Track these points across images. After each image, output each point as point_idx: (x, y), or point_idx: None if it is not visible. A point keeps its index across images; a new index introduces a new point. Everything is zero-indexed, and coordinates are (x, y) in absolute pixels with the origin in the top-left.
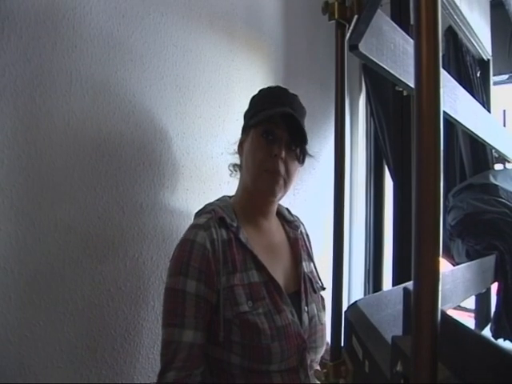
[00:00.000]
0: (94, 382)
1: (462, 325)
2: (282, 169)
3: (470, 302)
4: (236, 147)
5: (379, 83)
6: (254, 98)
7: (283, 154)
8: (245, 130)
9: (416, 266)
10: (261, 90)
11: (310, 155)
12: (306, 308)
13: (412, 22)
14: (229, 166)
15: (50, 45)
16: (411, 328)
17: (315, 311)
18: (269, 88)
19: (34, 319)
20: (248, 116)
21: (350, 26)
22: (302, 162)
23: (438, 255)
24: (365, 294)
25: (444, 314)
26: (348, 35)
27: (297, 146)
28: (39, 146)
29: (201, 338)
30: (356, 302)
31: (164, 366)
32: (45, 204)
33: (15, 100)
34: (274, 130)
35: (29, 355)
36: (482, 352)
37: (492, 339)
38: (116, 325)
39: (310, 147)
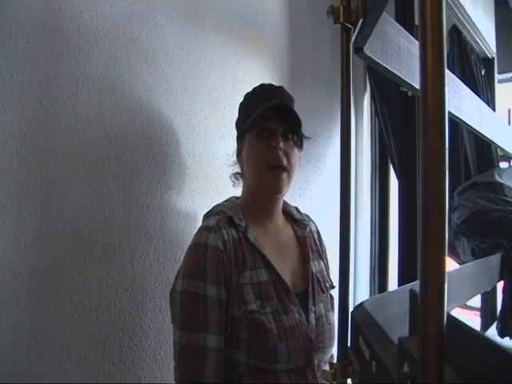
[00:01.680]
0: (101, 383)
1: (467, 326)
2: (284, 160)
3: (476, 301)
4: (234, 158)
5: (384, 83)
6: (241, 104)
7: (281, 144)
8: (240, 137)
9: (422, 268)
10: (246, 95)
11: (308, 137)
12: (313, 308)
13: (416, 22)
14: (230, 176)
15: (56, 49)
16: (417, 329)
17: (323, 311)
18: (253, 89)
19: (43, 321)
20: (240, 123)
21: (355, 29)
22: (300, 147)
23: (444, 256)
24: (370, 293)
25: (449, 315)
26: (353, 38)
27: (293, 134)
28: (47, 150)
29: (223, 342)
30: (362, 302)
31: (194, 375)
32: (52, 207)
33: (23, 104)
34: (268, 126)
35: (37, 357)
36: (487, 354)
37: (496, 341)
38: (123, 326)
39: (315, 145)
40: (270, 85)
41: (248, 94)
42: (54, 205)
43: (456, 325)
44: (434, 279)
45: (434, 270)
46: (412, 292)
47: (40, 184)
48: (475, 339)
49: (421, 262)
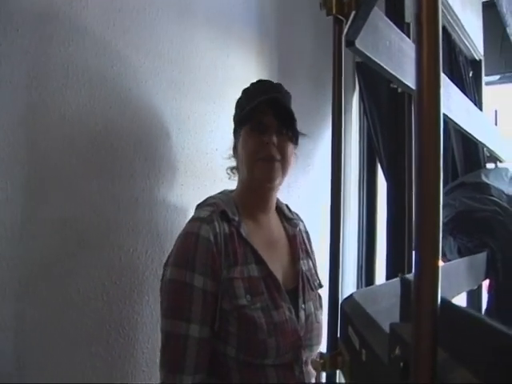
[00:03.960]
0: (88, 376)
1: (460, 307)
2: (276, 154)
3: (462, 299)
4: (231, 152)
5: (373, 82)
6: (238, 99)
7: (274, 139)
8: (236, 132)
9: (417, 254)
10: (244, 90)
11: (303, 134)
12: (303, 305)
13: (406, 20)
14: (226, 169)
15: (46, 38)
16: (409, 316)
17: (312, 309)
18: (251, 84)
19: (30, 314)
20: (236, 118)
21: (347, 21)
22: (295, 142)
23: (438, 242)
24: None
25: (442, 298)
26: (345, 30)
27: (288, 129)
28: (35, 140)
29: (207, 334)
30: (352, 294)
31: (175, 363)
32: (40, 198)
33: (11, 93)
34: (262, 120)
35: (24, 350)
36: (480, 333)
37: (489, 319)
38: (111, 319)
39: (305, 144)
40: (268, 81)
41: (245, 88)
42: (42, 195)
43: (449, 306)
44: (428, 264)
45: (428, 255)
46: (404, 279)
47: (28, 174)
48: (466, 318)
49: (415, 249)
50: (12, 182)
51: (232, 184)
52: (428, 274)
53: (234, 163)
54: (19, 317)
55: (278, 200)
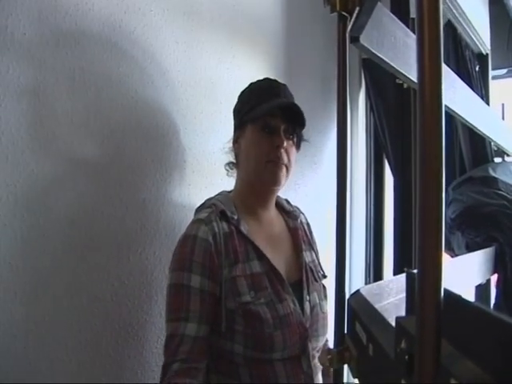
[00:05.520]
0: (97, 376)
1: (464, 300)
2: (285, 158)
3: (470, 294)
4: (230, 145)
5: (379, 78)
6: (243, 93)
7: (285, 143)
8: (240, 126)
9: (420, 246)
10: (251, 84)
11: (305, 140)
12: (307, 297)
13: (412, 15)
14: (225, 165)
15: (52, 41)
16: (414, 309)
17: (317, 300)
18: (258, 81)
19: (39, 314)
20: (242, 112)
21: (351, 18)
22: (298, 147)
23: (442, 234)
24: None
25: (446, 290)
26: (349, 27)
27: (294, 133)
28: (43, 142)
29: (204, 332)
30: (359, 289)
31: (167, 358)
32: (49, 199)
33: (19, 96)
34: (272, 123)
35: (34, 350)
36: (485, 325)
37: (495, 312)
38: (120, 319)
39: (311, 140)
40: (276, 81)
41: (253, 84)
42: (51, 198)
43: (453, 299)
44: (431, 256)
45: (431, 247)
46: (409, 273)
47: (36, 176)
48: (471, 311)
49: (419, 241)
50: (21, 184)
51: (233, 183)
52: (431, 266)
53: (231, 158)
54: (29, 318)
55: (277, 196)
